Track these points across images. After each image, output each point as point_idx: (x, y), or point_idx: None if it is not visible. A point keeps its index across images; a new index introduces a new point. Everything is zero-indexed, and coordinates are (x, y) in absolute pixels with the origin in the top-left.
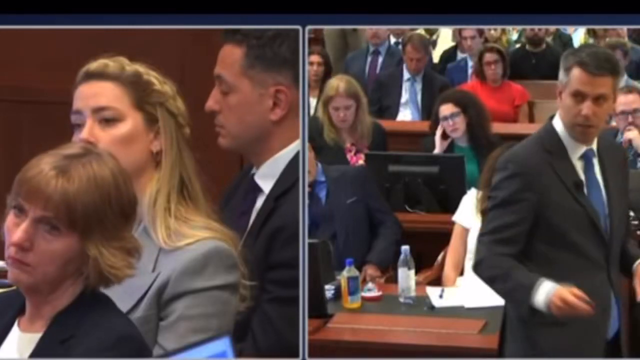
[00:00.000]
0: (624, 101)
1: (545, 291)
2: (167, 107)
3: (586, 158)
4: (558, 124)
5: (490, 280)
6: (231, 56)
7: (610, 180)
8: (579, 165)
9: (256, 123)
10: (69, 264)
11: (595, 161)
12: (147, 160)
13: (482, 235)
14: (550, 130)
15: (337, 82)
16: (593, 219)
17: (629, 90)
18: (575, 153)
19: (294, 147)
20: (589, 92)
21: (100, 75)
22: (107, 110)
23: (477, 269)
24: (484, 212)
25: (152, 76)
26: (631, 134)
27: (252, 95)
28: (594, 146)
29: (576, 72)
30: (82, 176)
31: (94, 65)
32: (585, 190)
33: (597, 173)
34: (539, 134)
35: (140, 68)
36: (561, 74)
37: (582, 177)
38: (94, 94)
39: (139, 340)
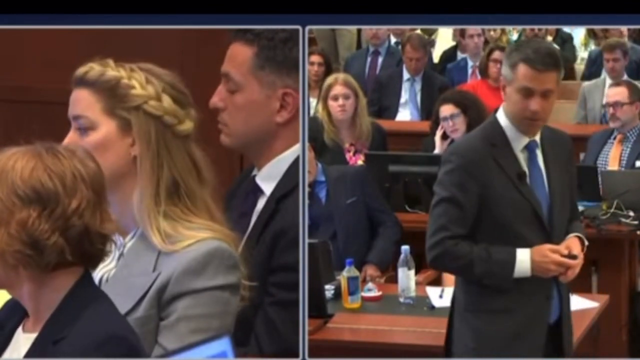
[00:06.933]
0: (610, 93)
1: (525, 258)
2: (145, 109)
3: (529, 149)
4: (502, 117)
5: (465, 268)
6: (241, 55)
7: (552, 171)
8: (522, 157)
9: (260, 124)
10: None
11: (539, 152)
12: (127, 165)
13: (434, 232)
14: (494, 123)
15: (336, 75)
16: (535, 209)
17: (618, 83)
18: (519, 145)
19: (296, 149)
20: (536, 87)
21: (80, 82)
22: (81, 119)
23: (439, 262)
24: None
25: (135, 79)
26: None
27: (260, 96)
28: (537, 137)
29: (522, 68)
30: None
31: (80, 70)
32: (528, 181)
33: (541, 163)
34: (483, 128)
35: (123, 71)
36: (505, 69)
37: (525, 168)
38: (73, 101)
39: (129, 341)
